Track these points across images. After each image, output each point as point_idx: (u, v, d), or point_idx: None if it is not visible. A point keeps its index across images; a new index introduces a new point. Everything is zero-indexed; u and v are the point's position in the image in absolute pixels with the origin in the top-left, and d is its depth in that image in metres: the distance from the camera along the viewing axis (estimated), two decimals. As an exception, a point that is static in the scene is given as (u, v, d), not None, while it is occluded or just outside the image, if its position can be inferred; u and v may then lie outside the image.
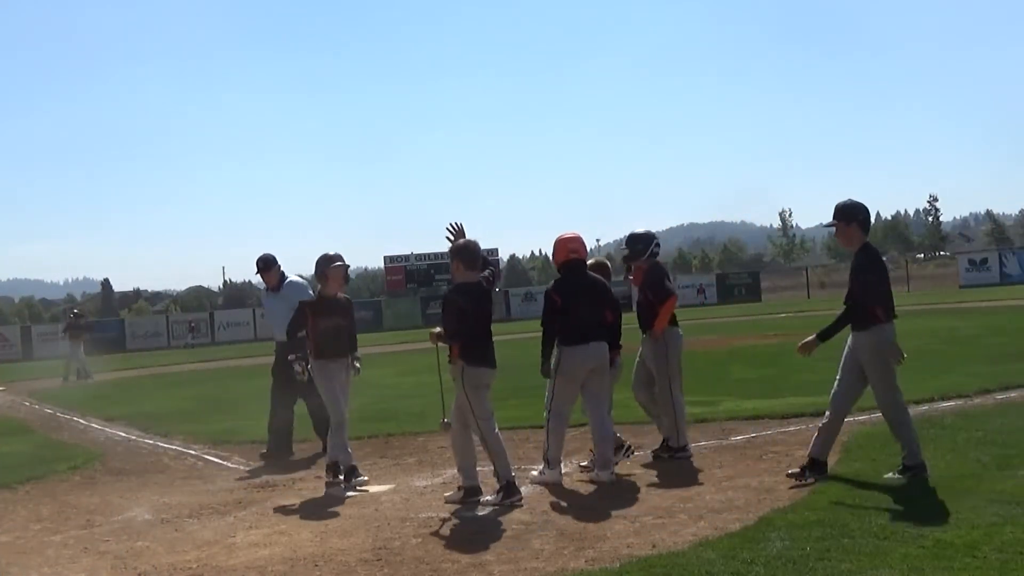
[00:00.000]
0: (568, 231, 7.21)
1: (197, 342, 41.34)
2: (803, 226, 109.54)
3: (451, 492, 6.64)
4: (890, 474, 6.10)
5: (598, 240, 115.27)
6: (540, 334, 7.03)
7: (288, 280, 9.24)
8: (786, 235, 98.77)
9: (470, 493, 6.49)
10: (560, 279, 7.09)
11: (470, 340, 6.51)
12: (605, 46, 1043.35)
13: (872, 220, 6.37)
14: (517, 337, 25.97)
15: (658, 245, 7.95)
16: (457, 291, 6.60)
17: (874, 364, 6.15)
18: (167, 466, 8.98)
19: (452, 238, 6.84)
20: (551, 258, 7.29)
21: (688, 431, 7.70)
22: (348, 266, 7.73)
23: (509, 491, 6.36)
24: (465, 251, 6.68)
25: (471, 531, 5.75)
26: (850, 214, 6.22)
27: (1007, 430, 7.23)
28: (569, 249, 7.11)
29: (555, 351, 7.00)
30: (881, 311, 6.10)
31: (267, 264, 9.20)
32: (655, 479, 6.87)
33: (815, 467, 6.24)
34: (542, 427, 9.32)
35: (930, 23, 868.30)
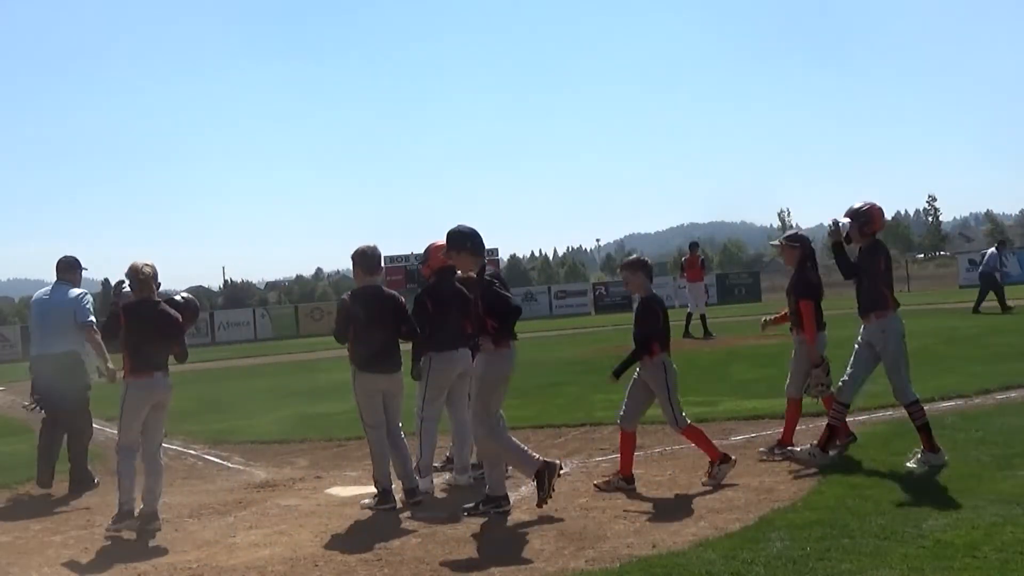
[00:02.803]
0: (439, 240, 7.20)
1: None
2: (803, 226, 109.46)
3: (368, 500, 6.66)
4: (469, 505, 6.18)
5: (598, 240, 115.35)
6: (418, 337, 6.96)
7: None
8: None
9: (384, 498, 6.54)
10: (432, 286, 7.15)
11: (361, 346, 6.57)
12: (606, 46, 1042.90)
13: (484, 244, 6.35)
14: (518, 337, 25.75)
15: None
16: (352, 296, 6.68)
17: (476, 384, 6.24)
18: (167, 466, 8.87)
19: None
20: (424, 263, 7.25)
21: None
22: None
23: (384, 498, 6.50)
24: (363, 256, 6.73)
25: (471, 531, 5.75)
26: (458, 243, 6.25)
27: (1007, 430, 7.22)
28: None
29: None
30: (494, 335, 6.10)
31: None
32: (655, 479, 6.87)
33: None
34: (542, 427, 9.35)
35: (930, 23, 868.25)
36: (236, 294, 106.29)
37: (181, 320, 6.52)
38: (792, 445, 7.16)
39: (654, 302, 6.56)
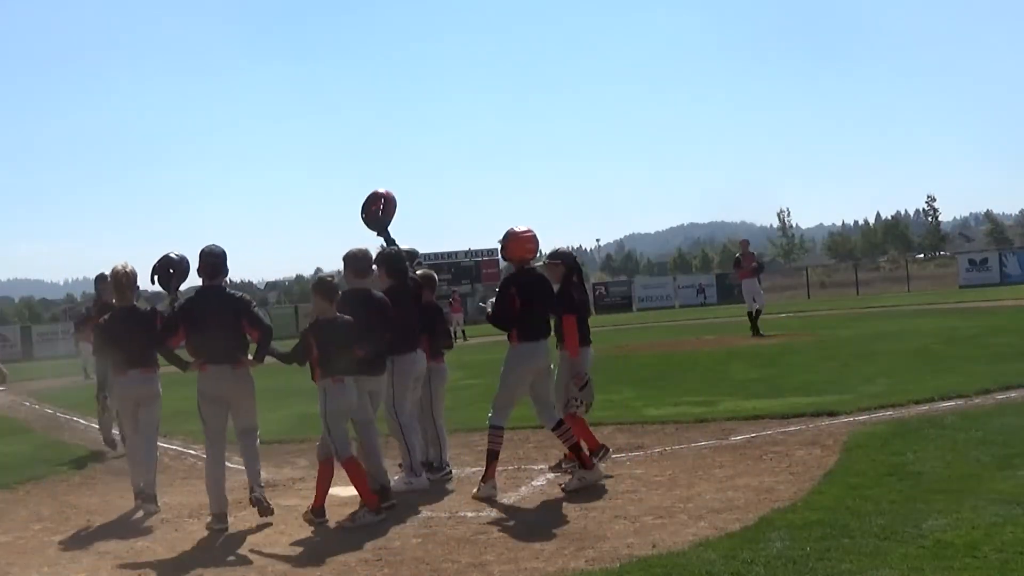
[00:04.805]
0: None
1: None
2: (803, 226, 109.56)
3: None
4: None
5: (598, 240, 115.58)
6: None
7: None
8: (785, 235, 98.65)
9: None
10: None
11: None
12: (606, 46, 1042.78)
13: (225, 266, 7.03)
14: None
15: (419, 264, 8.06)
16: (341, 298, 6.63)
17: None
18: (167, 466, 8.95)
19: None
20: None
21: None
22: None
23: (383, 496, 6.51)
24: (354, 259, 6.75)
25: (471, 531, 5.75)
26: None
27: (1007, 430, 7.21)
28: None
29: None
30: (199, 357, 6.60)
31: None
32: (655, 479, 6.87)
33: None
34: (541, 428, 9.34)
35: (930, 23, 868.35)
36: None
37: (155, 319, 7.03)
38: (604, 451, 7.11)
39: (315, 326, 6.33)
